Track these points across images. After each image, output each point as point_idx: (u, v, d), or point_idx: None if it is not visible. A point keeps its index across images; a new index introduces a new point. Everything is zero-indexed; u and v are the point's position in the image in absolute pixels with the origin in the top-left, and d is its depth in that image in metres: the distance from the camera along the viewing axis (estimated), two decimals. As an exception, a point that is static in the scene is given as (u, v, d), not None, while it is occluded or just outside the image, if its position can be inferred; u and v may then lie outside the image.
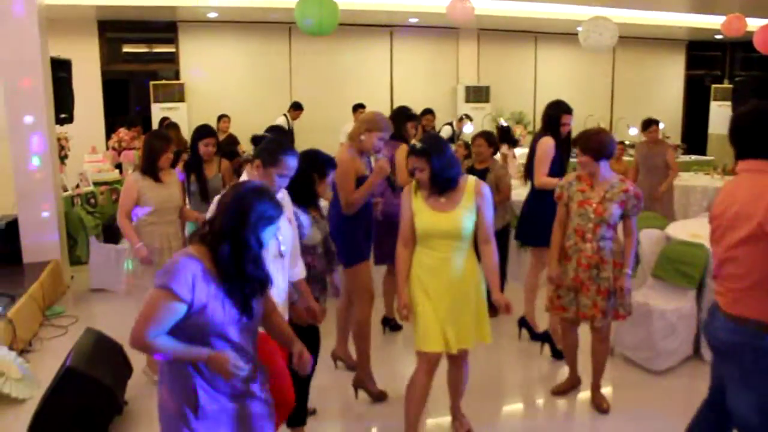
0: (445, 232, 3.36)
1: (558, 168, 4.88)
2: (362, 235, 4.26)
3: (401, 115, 5.26)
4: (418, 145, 3.36)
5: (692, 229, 5.30)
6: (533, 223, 4.99)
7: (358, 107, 9.93)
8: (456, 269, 3.38)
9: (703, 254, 4.73)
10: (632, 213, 3.90)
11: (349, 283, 4.33)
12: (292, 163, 2.97)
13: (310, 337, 3.38)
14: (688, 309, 4.72)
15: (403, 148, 4.81)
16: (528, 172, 5.16)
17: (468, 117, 10.74)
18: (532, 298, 5.24)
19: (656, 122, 7.40)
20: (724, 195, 2.75)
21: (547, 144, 4.86)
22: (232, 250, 2.24)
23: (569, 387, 4.42)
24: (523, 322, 5.29)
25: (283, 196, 3.19)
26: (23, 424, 3.73)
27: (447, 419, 3.93)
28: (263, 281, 2.35)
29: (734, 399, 2.69)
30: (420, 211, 3.39)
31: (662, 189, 7.07)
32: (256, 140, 3.26)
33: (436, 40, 12.54)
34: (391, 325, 5.49)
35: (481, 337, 3.49)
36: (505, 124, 9.97)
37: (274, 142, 3.06)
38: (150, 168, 4.51)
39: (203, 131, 5.08)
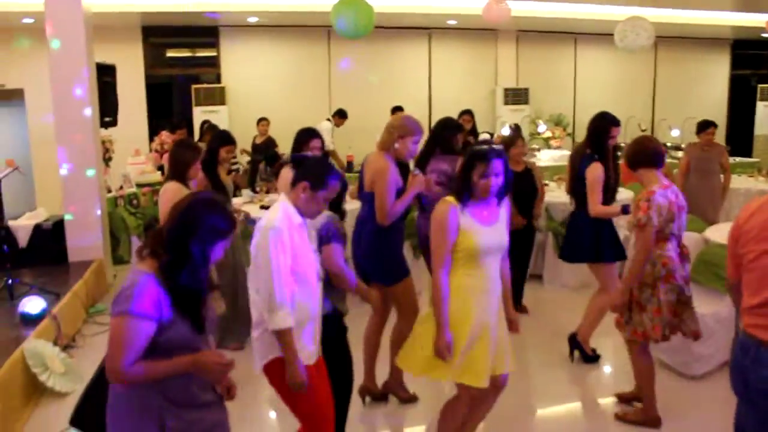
0: (500, 247, 3.15)
1: (605, 189, 4.70)
2: (401, 250, 4.16)
3: (451, 127, 4.87)
4: (496, 146, 3.16)
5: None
6: (580, 242, 4.84)
7: (396, 110, 9.89)
8: (499, 288, 3.21)
9: (741, 257, 4.65)
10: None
11: (393, 302, 4.14)
12: (336, 185, 2.95)
13: (341, 365, 3.40)
14: (726, 313, 4.65)
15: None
16: (573, 190, 4.91)
17: (515, 127, 10.16)
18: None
19: (713, 124, 7.34)
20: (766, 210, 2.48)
21: (597, 173, 4.63)
22: (173, 260, 2.19)
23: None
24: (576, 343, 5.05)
25: (327, 216, 3.20)
26: (65, 416, 3.87)
27: None
28: (197, 294, 2.25)
29: None
30: (471, 228, 3.06)
31: (723, 192, 7.03)
32: (297, 160, 3.06)
33: (474, 42, 12.51)
34: None
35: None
36: (512, 124, 9.85)
37: (321, 165, 2.97)
38: (180, 178, 4.54)
39: (228, 139, 5.16)
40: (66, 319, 5.23)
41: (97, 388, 3.72)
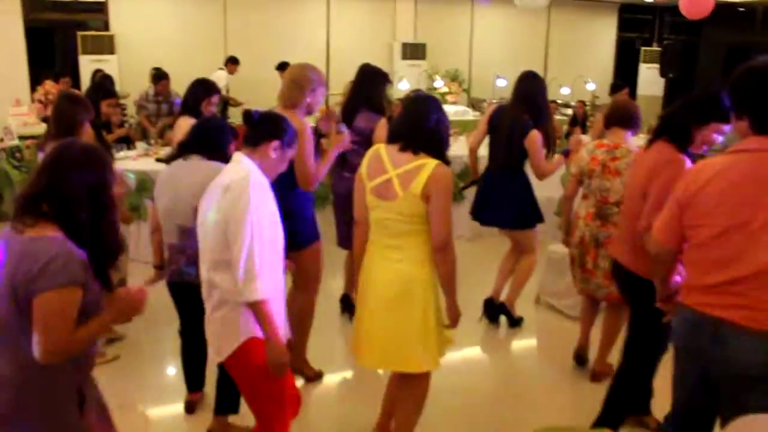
0: None
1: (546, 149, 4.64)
2: (312, 211, 3.85)
3: (380, 77, 4.57)
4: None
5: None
6: (511, 207, 4.73)
7: (283, 65, 9.24)
8: None
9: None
10: None
11: (300, 266, 3.68)
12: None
13: None
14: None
15: (383, 124, 4.37)
16: (509, 154, 4.63)
17: None
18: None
19: (626, 86, 7.87)
20: (733, 182, 2.25)
21: (539, 140, 4.48)
22: (91, 215, 2.04)
23: None
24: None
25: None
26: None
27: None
28: (118, 248, 2.19)
29: None
30: None
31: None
32: (250, 116, 2.71)
33: (373, -3, 12.47)
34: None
35: None
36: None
37: (285, 121, 2.74)
38: (62, 136, 3.79)
39: (108, 92, 4.85)
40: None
41: None
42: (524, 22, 13.49)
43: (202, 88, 4.37)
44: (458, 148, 6.42)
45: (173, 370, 4.19)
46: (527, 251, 4.84)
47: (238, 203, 2.44)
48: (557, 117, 10.32)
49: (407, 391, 3.07)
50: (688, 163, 2.88)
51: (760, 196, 2.18)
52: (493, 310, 4.93)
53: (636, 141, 4.05)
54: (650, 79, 14.08)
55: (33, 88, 9.51)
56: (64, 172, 2.03)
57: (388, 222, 2.84)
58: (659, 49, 13.89)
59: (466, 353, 4.59)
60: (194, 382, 3.70)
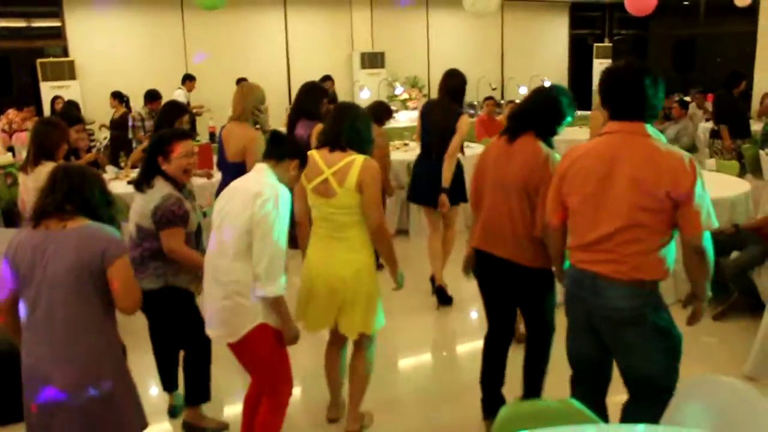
0: None
1: None
2: None
3: (318, 92, 5.13)
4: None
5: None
6: (432, 186, 5.17)
7: (241, 81, 9.45)
8: None
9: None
10: None
11: None
12: None
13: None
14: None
15: (319, 128, 4.67)
16: (441, 141, 5.11)
17: None
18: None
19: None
20: (595, 158, 2.65)
21: (468, 121, 5.19)
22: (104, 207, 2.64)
23: None
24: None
25: (162, 197, 3.24)
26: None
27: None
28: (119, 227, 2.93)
29: (642, 363, 2.69)
30: None
31: None
32: (278, 139, 3.11)
33: (329, 8, 12.65)
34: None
35: None
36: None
37: (302, 145, 3.23)
38: (48, 158, 4.16)
39: (73, 118, 5.02)
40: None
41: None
42: (478, 25, 13.80)
43: (174, 110, 4.63)
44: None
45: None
46: (450, 226, 5.41)
47: (270, 209, 2.78)
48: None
49: (360, 358, 3.46)
50: (557, 155, 3.14)
51: (605, 169, 2.60)
52: (441, 293, 5.41)
53: None
54: (604, 74, 14.48)
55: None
56: (81, 182, 2.55)
57: (332, 216, 3.23)
58: (611, 44, 14.30)
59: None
60: (168, 382, 3.84)
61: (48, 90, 10.43)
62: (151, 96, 8.30)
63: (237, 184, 2.98)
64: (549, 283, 3.31)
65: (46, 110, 9.98)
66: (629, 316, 2.63)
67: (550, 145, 3.22)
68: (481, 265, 3.42)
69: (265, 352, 2.97)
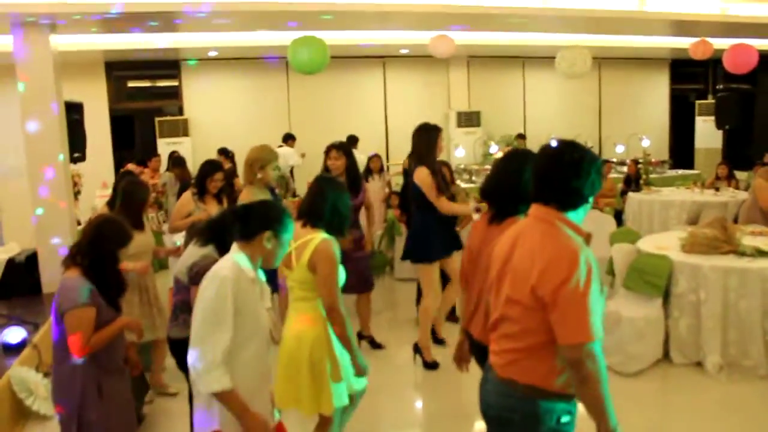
0: None
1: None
2: None
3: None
4: None
5: (660, 242, 5.73)
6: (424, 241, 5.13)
7: (287, 137, 11.18)
8: None
9: (667, 264, 5.16)
10: None
11: None
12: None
13: None
14: (656, 316, 5.14)
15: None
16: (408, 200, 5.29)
17: None
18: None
19: None
20: (507, 240, 2.48)
21: (424, 173, 4.99)
22: (96, 263, 3.12)
23: None
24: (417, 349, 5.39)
25: (200, 255, 3.42)
26: (52, 436, 4.18)
27: None
28: (121, 286, 3.27)
29: None
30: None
31: None
32: (241, 212, 2.84)
33: (427, 68, 13.03)
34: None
35: None
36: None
37: (274, 208, 2.89)
38: (134, 215, 4.62)
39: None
40: (45, 348, 5.48)
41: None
42: (575, 83, 13.75)
43: (208, 166, 5.19)
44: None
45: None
46: (424, 291, 5.27)
47: (202, 294, 2.60)
48: (612, 175, 10.49)
49: None
50: None
51: (507, 254, 2.42)
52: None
53: None
54: (707, 132, 14.09)
55: (117, 171, 10.37)
56: (92, 240, 3.14)
57: (291, 288, 3.40)
58: (713, 101, 13.91)
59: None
60: None
61: (164, 145, 11.29)
62: (178, 161, 8.83)
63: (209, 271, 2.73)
64: None
65: (163, 163, 10.76)
66: (495, 415, 2.44)
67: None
68: None
69: None
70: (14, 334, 5.27)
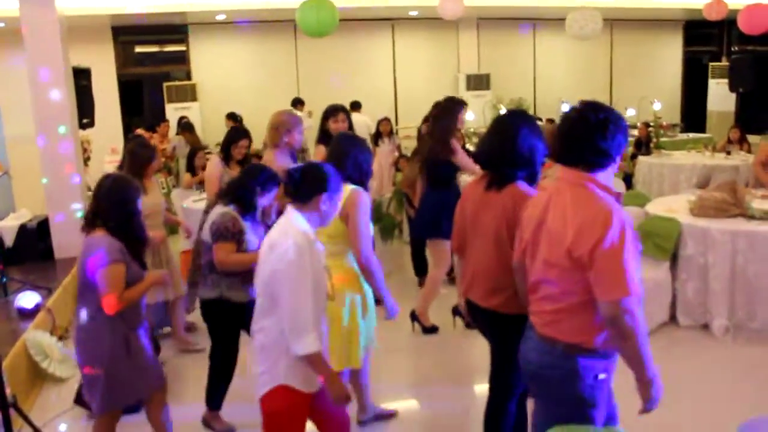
0: None
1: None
2: None
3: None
4: None
5: (669, 205, 5.71)
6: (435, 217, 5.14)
7: (296, 102, 10.95)
8: None
9: (675, 227, 5.16)
10: None
11: None
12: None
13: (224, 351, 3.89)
14: (663, 278, 5.15)
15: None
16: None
17: None
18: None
19: None
20: (538, 203, 2.53)
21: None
22: (122, 221, 3.18)
23: None
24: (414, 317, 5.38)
25: (219, 214, 3.66)
26: (68, 398, 4.28)
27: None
28: (144, 240, 3.32)
29: (544, 419, 2.57)
30: None
31: None
32: (294, 177, 2.80)
33: (436, 31, 12.91)
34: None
35: None
36: None
37: (324, 170, 2.84)
38: (139, 175, 4.64)
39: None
40: (59, 312, 5.57)
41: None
42: (586, 45, 13.61)
43: (234, 133, 5.11)
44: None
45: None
46: (436, 262, 5.33)
47: (283, 260, 2.58)
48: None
49: None
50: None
51: (540, 217, 2.46)
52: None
53: None
54: (720, 95, 13.92)
55: (126, 137, 10.39)
56: (102, 197, 3.20)
57: (325, 245, 3.11)
58: (727, 63, 13.70)
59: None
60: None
61: (172, 111, 11.29)
62: (187, 126, 8.79)
63: (270, 233, 2.79)
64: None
65: (172, 128, 10.78)
66: (534, 371, 2.53)
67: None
68: None
69: (280, 417, 2.73)
70: (28, 299, 5.36)
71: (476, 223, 3.06)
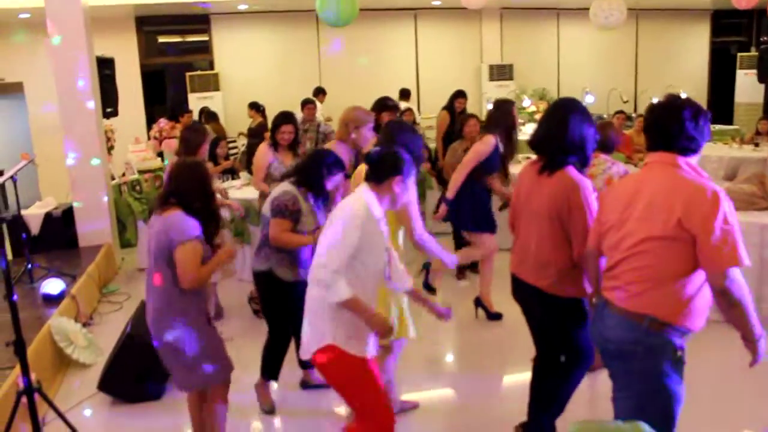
0: None
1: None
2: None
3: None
4: None
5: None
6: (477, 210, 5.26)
7: (318, 91, 10.81)
8: None
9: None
10: None
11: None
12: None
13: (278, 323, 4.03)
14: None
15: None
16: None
17: None
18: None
19: None
20: (626, 186, 2.70)
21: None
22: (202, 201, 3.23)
23: None
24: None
25: (281, 191, 3.79)
26: (92, 384, 4.32)
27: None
28: (218, 221, 3.37)
29: (625, 402, 2.67)
30: None
31: None
32: (374, 160, 3.00)
33: (459, 21, 12.84)
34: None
35: None
36: None
37: (399, 155, 3.00)
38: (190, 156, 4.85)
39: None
40: (83, 299, 5.64)
41: (118, 358, 4.18)
42: (610, 35, 13.43)
43: (279, 117, 5.21)
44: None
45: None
46: (485, 256, 5.38)
47: (344, 210, 2.86)
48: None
49: None
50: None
51: (630, 197, 2.62)
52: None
53: None
54: (748, 86, 13.66)
55: (149, 126, 10.46)
56: (182, 179, 3.22)
57: None
58: (756, 54, 13.44)
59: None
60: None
61: (195, 100, 11.34)
62: (305, 100, 8.76)
63: (342, 202, 3.01)
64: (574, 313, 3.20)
65: (194, 118, 10.82)
66: (615, 349, 2.62)
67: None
68: None
69: (339, 378, 2.92)
70: (54, 286, 5.42)
71: (528, 204, 3.25)
